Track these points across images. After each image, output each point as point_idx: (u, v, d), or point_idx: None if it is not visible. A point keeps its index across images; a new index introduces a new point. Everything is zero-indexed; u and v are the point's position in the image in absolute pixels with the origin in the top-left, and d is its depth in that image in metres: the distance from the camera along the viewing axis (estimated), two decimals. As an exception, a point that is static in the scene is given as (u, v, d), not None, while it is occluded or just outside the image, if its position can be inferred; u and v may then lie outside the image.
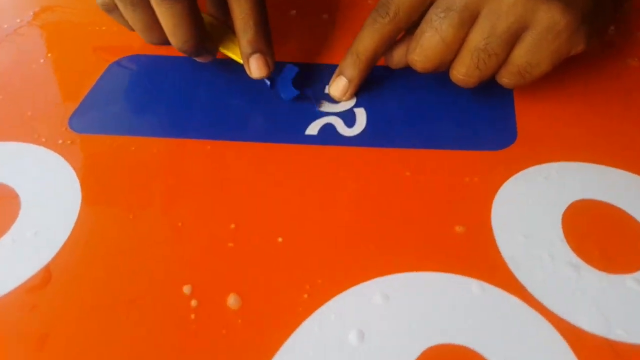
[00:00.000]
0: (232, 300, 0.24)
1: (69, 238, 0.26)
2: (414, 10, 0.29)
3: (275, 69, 0.32)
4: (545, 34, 0.27)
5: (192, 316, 0.23)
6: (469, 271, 0.25)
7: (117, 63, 0.36)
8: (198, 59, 0.34)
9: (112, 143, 0.31)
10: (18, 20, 0.40)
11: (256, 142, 0.31)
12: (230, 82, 0.34)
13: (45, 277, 0.25)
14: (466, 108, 0.33)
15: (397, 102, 0.33)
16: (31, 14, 0.40)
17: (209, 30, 0.32)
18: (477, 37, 0.28)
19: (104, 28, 0.38)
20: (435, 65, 0.29)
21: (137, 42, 0.37)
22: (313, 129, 0.32)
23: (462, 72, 0.29)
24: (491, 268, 0.25)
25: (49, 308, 0.24)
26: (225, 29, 0.33)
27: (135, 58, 0.36)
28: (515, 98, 0.33)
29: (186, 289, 0.24)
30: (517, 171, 0.29)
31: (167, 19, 0.29)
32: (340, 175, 0.29)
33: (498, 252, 0.25)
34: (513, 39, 0.28)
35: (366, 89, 0.33)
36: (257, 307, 0.24)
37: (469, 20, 0.28)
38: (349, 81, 0.32)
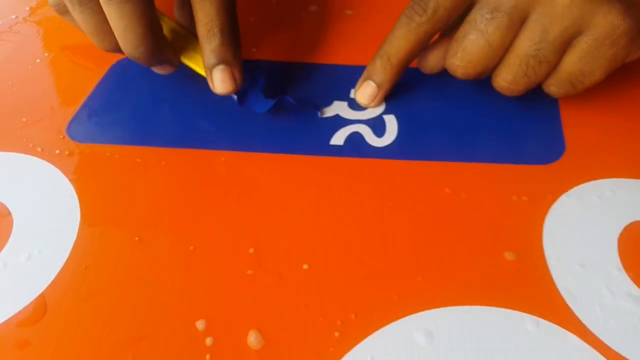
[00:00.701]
0: (252, 339, 0.21)
1: (66, 263, 0.23)
2: (455, 8, 0.26)
3: (246, 81, 0.28)
4: (602, 40, 0.25)
5: (207, 357, 0.20)
6: (521, 305, 0.22)
7: (120, 64, 0.33)
8: (155, 70, 0.29)
9: (114, 154, 0.27)
10: (13, 17, 0.36)
11: (276, 153, 0.28)
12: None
13: (40, 308, 0.22)
14: (508, 117, 0.30)
15: (431, 109, 0.30)
16: (27, 9, 0.37)
17: (170, 37, 0.28)
18: (527, 42, 0.25)
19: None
20: (479, 72, 0.26)
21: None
22: (339, 138, 0.28)
23: (508, 80, 0.26)
24: (546, 301, 0.22)
25: (44, 345, 0.21)
26: (191, 38, 0.29)
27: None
28: (561, 106, 0.30)
29: (200, 325, 0.21)
30: (567, 189, 0.26)
31: (117, 21, 0.25)
32: (370, 191, 0.26)
33: (552, 282, 0.22)
34: (566, 45, 0.25)
35: (396, 92, 0.30)
36: (281, 346, 0.21)
37: (518, 23, 0.25)
38: (378, 87, 0.29)
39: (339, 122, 0.29)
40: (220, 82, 0.27)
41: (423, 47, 0.28)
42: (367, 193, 0.26)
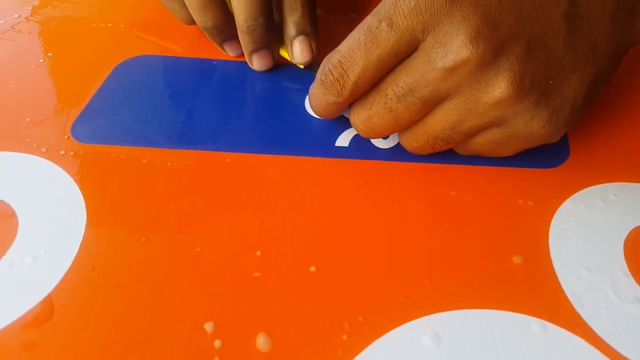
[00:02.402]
0: (261, 341, 0.21)
1: (72, 264, 0.23)
2: (375, 79, 0.24)
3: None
4: (517, 137, 0.24)
5: (217, 359, 0.20)
6: (528, 308, 0.22)
7: (124, 64, 0.32)
8: (257, 57, 0.31)
9: (120, 154, 0.27)
10: (16, 16, 0.36)
11: (281, 154, 0.28)
12: (253, 88, 0.31)
13: (47, 310, 0.22)
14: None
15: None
16: (29, 8, 0.37)
17: None
18: (438, 125, 0.24)
19: (110, 25, 0.35)
20: (381, 136, 0.26)
21: (146, 42, 0.34)
22: (344, 139, 0.28)
23: (414, 146, 0.26)
24: (552, 304, 0.22)
25: (51, 347, 0.21)
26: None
27: (144, 59, 0.33)
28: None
29: (208, 327, 0.21)
30: (572, 192, 0.26)
31: None
32: (376, 193, 0.26)
33: (559, 286, 0.23)
34: (479, 132, 0.24)
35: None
36: (290, 349, 0.21)
37: (433, 105, 0.23)
38: None
39: (344, 123, 0.29)
40: (299, 52, 0.30)
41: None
42: (373, 195, 0.26)
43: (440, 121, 0.24)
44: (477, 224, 0.25)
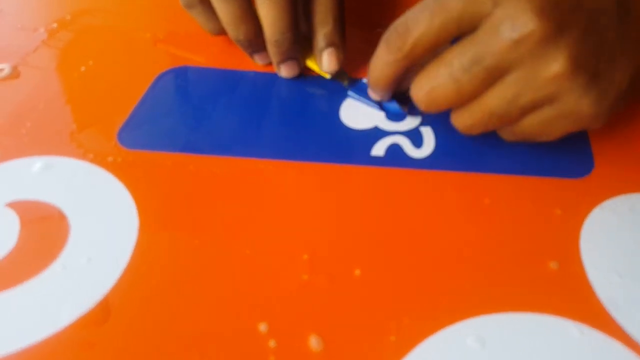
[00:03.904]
0: (313, 342, 0.22)
1: (127, 266, 0.24)
2: (434, 46, 0.25)
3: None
4: (566, 116, 0.25)
5: (272, 358, 0.21)
6: (566, 312, 0.23)
7: (166, 74, 0.33)
8: (285, 67, 0.32)
9: (167, 161, 0.28)
10: (55, 25, 0.37)
11: (321, 162, 0.29)
12: (293, 98, 0.32)
13: (104, 311, 0.22)
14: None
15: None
16: (68, 17, 0.38)
17: None
18: (496, 100, 0.25)
19: (148, 35, 0.36)
20: (440, 110, 0.27)
21: (186, 52, 0.35)
22: (379, 149, 0.30)
23: (467, 124, 0.27)
24: (588, 309, 0.23)
25: (109, 347, 0.21)
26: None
27: (184, 69, 0.34)
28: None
29: (262, 327, 0.22)
30: (599, 202, 0.27)
31: (268, 10, 0.29)
32: (413, 201, 0.27)
33: (592, 292, 0.24)
34: (532, 110, 0.25)
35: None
36: (341, 350, 0.21)
37: (496, 78, 0.25)
38: (380, 96, 0.31)
39: (378, 133, 0.30)
40: (327, 62, 0.32)
41: (406, 72, 0.28)
42: (410, 202, 0.27)
43: (498, 96, 0.25)
44: (511, 231, 0.26)
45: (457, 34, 0.25)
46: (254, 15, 0.30)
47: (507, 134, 0.27)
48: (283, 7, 0.29)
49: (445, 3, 0.24)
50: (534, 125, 0.26)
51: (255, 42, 0.31)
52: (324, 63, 0.32)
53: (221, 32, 0.32)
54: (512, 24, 0.23)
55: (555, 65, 0.23)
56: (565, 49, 0.23)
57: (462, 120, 0.27)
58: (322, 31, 0.31)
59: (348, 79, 0.33)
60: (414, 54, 0.26)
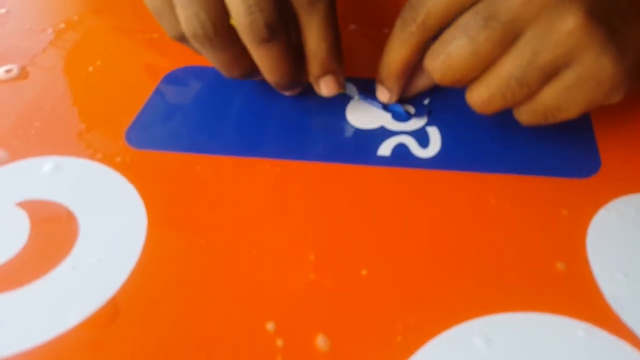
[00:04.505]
0: (320, 341, 0.22)
1: (136, 266, 0.24)
2: (448, 15, 0.25)
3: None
4: (586, 79, 0.24)
5: (279, 358, 0.21)
6: (572, 312, 0.23)
7: (173, 74, 0.34)
8: (287, 93, 0.32)
9: (174, 161, 0.28)
10: (62, 25, 0.37)
11: (328, 162, 0.29)
12: (299, 99, 0.32)
13: (112, 311, 0.23)
14: (545, 130, 0.31)
15: (472, 122, 0.31)
16: (75, 18, 0.38)
17: None
18: (514, 62, 0.24)
19: (155, 36, 0.36)
20: (457, 79, 0.26)
21: (193, 53, 0.35)
22: (385, 149, 0.30)
23: (484, 97, 0.26)
24: (594, 309, 0.23)
25: (117, 347, 0.22)
26: None
27: (191, 69, 0.34)
28: (594, 122, 0.31)
29: (270, 326, 0.22)
30: (605, 202, 0.27)
31: (265, 60, 0.27)
32: (419, 200, 0.27)
33: (599, 292, 0.24)
34: (551, 74, 0.24)
35: (437, 105, 0.32)
36: (348, 349, 0.22)
37: (511, 39, 0.24)
38: (389, 91, 0.30)
39: (385, 133, 0.31)
40: (326, 89, 0.30)
41: (421, 53, 0.27)
42: (417, 202, 0.27)
43: (516, 57, 0.24)
44: (518, 231, 0.26)
45: (469, 1, 0.25)
46: (249, 59, 0.28)
47: (525, 114, 0.26)
48: (276, 55, 0.27)
49: None
50: (554, 96, 0.25)
51: (251, 77, 0.30)
52: (322, 91, 0.30)
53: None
54: None
55: (571, 18, 0.23)
56: (580, 2, 0.23)
57: (478, 94, 0.26)
58: (317, 60, 0.29)
59: (357, 92, 0.32)
60: (428, 25, 0.26)
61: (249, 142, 0.30)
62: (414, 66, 0.29)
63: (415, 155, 0.29)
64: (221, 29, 0.26)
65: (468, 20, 0.24)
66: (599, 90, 0.25)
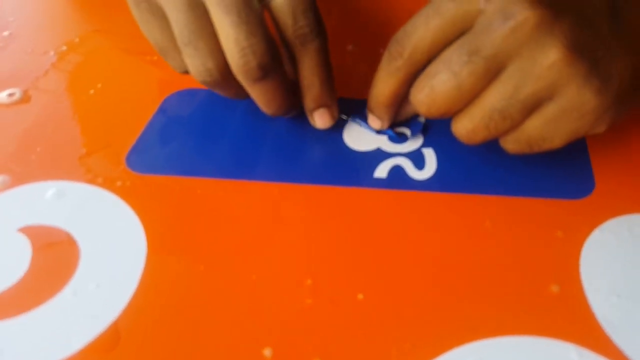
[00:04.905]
0: (317, 366, 0.22)
1: (136, 291, 0.24)
2: (433, 49, 0.26)
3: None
4: (569, 111, 0.24)
5: (277, 384, 0.22)
6: (565, 334, 0.23)
7: (173, 97, 0.34)
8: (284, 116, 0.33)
9: (175, 185, 0.29)
10: (64, 48, 0.38)
11: (325, 185, 0.29)
12: (296, 122, 0.33)
13: (114, 336, 0.23)
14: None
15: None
16: (77, 40, 0.39)
17: None
18: (496, 96, 0.25)
19: (155, 58, 0.37)
20: (441, 112, 0.26)
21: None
22: (382, 171, 0.30)
23: (468, 129, 0.26)
24: (587, 332, 0.23)
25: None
26: None
27: (192, 92, 0.35)
28: (589, 144, 0.32)
29: (267, 352, 0.23)
30: (599, 223, 0.28)
31: (260, 97, 0.29)
32: (416, 223, 0.28)
33: (592, 314, 0.24)
34: (534, 107, 0.25)
35: (433, 127, 0.32)
36: (345, 373, 0.22)
37: (494, 73, 0.24)
38: (380, 120, 0.31)
39: (381, 155, 0.31)
40: (320, 122, 0.31)
41: (408, 84, 0.28)
42: (412, 225, 0.28)
43: (498, 91, 0.25)
44: (513, 253, 0.26)
45: (454, 35, 0.25)
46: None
47: (510, 143, 0.27)
48: (271, 91, 0.28)
49: (439, 7, 0.25)
50: (537, 127, 0.25)
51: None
52: (316, 123, 0.31)
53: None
54: (505, 14, 0.23)
55: (553, 51, 0.23)
56: (561, 35, 0.23)
57: (462, 125, 0.26)
58: (310, 94, 0.30)
59: (349, 115, 0.33)
60: (414, 60, 0.26)
61: (248, 165, 0.30)
62: (403, 97, 0.29)
63: (411, 177, 0.30)
64: (229, 74, 0.27)
65: (452, 55, 0.25)
66: (582, 122, 0.25)
